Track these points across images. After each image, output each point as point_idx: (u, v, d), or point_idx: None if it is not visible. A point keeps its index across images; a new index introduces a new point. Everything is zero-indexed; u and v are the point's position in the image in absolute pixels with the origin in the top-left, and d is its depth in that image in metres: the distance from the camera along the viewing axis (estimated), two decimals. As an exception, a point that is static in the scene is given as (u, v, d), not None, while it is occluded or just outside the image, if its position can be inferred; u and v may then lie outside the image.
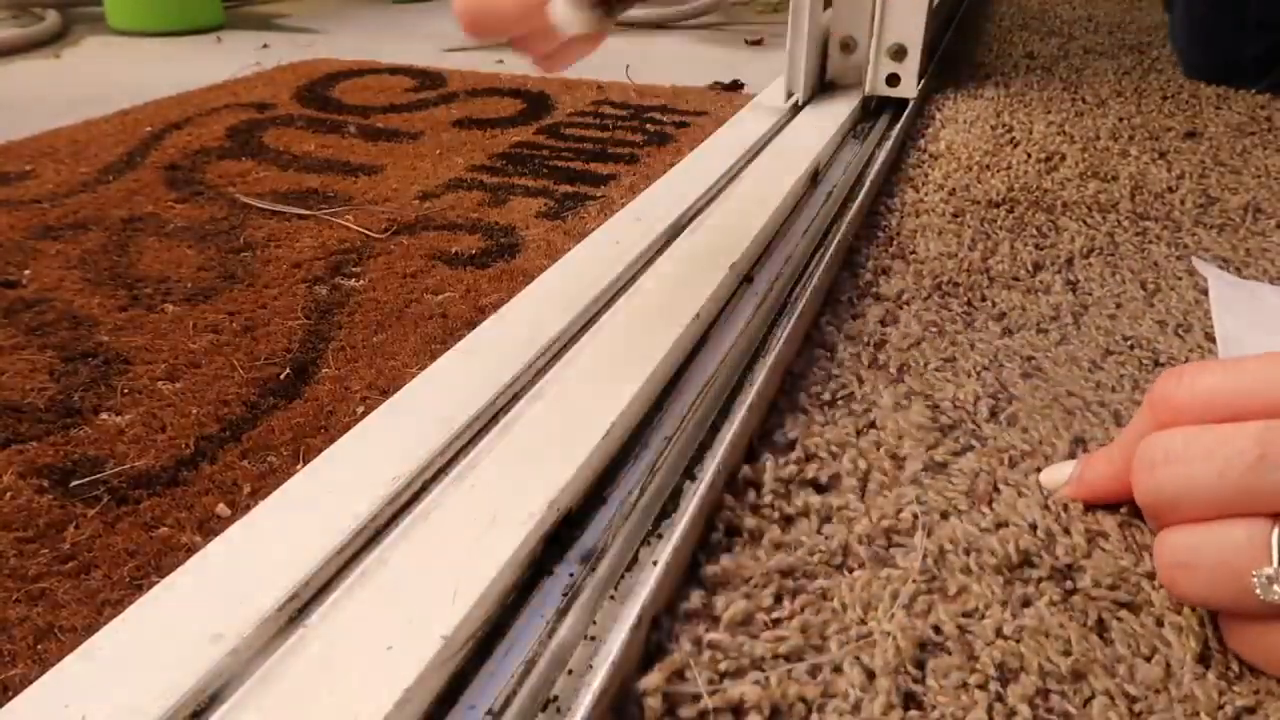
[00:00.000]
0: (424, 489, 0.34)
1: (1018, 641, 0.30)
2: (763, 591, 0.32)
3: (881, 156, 0.75)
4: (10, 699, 0.26)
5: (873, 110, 0.89)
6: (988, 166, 0.76)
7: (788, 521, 0.36)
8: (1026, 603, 0.32)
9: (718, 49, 1.50)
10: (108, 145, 0.95)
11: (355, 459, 0.35)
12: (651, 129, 1.02)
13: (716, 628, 0.30)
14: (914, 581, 0.32)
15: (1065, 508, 0.36)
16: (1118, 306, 0.53)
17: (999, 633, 0.31)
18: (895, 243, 0.62)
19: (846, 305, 0.53)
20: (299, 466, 0.46)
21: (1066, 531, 0.35)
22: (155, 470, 0.46)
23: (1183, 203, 0.69)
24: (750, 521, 0.35)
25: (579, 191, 0.83)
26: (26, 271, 0.67)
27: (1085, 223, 0.65)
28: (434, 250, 0.71)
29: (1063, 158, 0.78)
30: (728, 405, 0.41)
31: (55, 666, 0.27)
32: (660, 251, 0.55)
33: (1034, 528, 0.35)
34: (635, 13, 1.69)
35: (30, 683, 0.26)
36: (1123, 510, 0.36)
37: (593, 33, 0.38)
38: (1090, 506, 0.36)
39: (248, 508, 0.35)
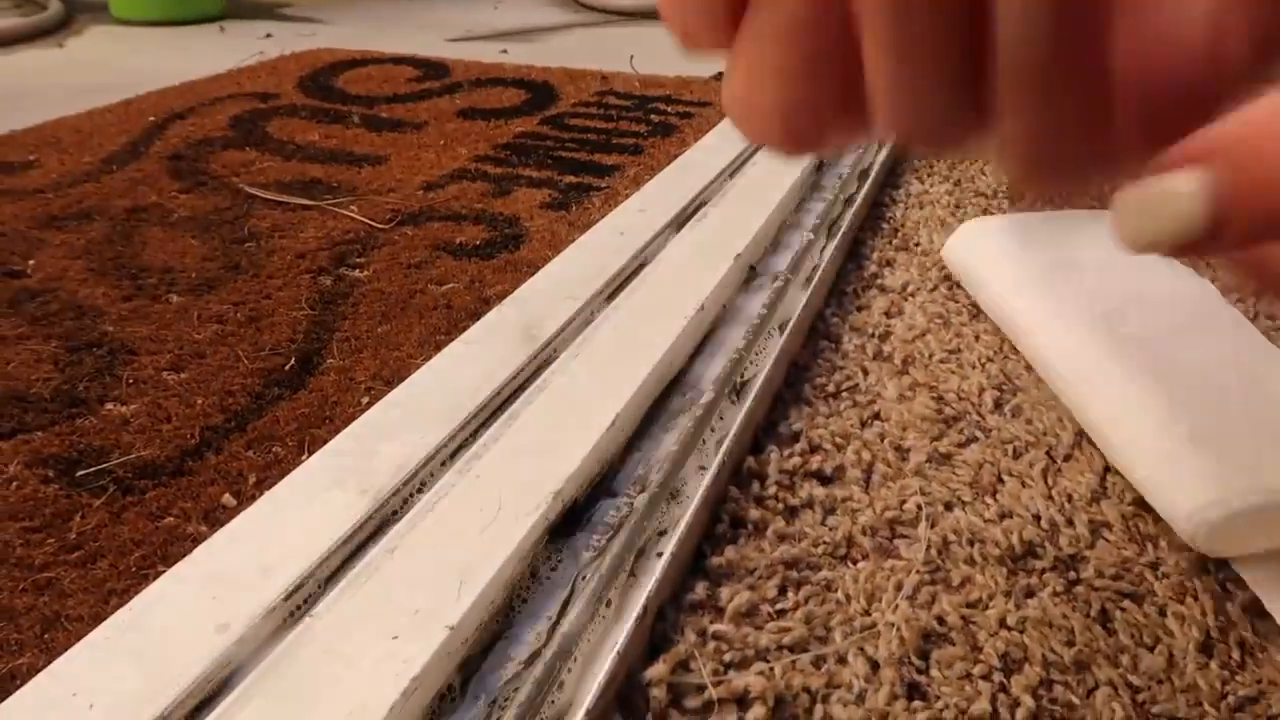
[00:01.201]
0: (429, 480, 0.34)
1: (1021, 632, 0.30)
2: (767, 583, 0.32)
3: (887, 147, 0.75)
4: (18, 688, 0.26)
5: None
6: (992, 157, 0.75)
7: (792, 513, 0.36)
8: (1030, 593, 0.32)
9: (722, 39, 1.50)
10: (111, 135, 0.95)
11: (360, 450, 0.35)
12: (656, 119, 1.01)
13: (721, 619, 0.30)
14: (918, 572, 0.32)
15: (1069, 498, 0.36)
16: (1122, 298, 0.53)
17: (1003, 623, 0.31)
18: (900, 234, 0.61)
19: (851, 297, 0.53)
20: (304, 457, 0.46)
21: (1070, 522, 0.35)
22: (161, 460, 0.46)
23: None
24: (755, 513, 0.35)
25: (583, 182, 0.83)
26: (31, 261, 0.67)
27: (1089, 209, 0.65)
28: (438, 241, 0.71)
29: (1068, 148, 0.78)
30: (733, 396, 0.41)
31: (62, 656, 0.27)
32: (665, 242, 0.55)
33: (1037, 518, 0.35)
34: (638, 0, 1.68)
35: (38, 672, 0.26)
36: (1127, 500, 0.36)
37: None
38: (1094, 497, 0.36)
39: (253, 498, 0.35)
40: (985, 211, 0.65)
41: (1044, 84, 0.13)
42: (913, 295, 0.53)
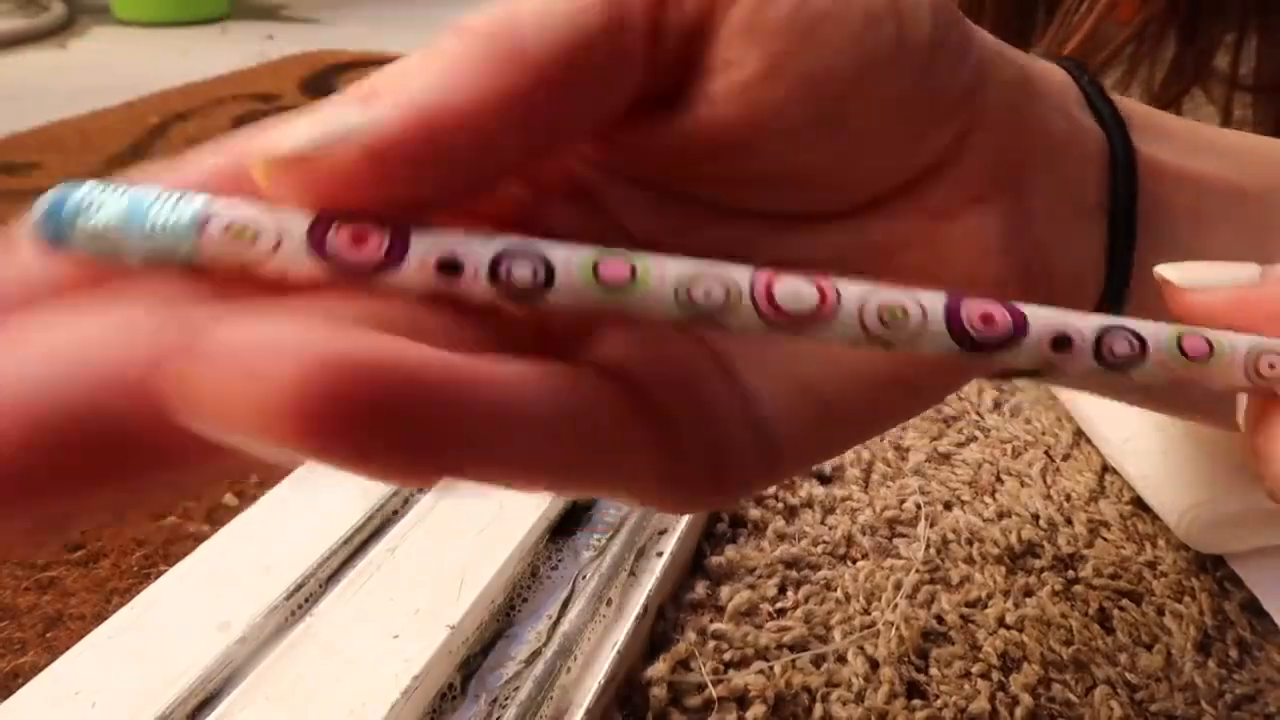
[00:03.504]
0: (430, 479, 0.34)
1: (1020, 631, 0.30)
2: (767, 582, 0.32)
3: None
4: (21, 686, 0.26)
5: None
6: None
7: (792, 512, 0.36)
8: (1029, 592, 0.32)
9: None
10: (114, 136, 0.95)
11: (361, 449, 0.35)
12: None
13: (721, 618, 0.30)
14: (917, 571, 0.33)
15: (1068, 498, 0.36)
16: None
17: (1001, 622, 0.31)
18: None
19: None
20: (305, 457, 0.46)
21: (1069, 521, 0.35)
22: (163, 460, 0.46)
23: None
24: (755, 513, 0.35)
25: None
26: (34, 262, 0.67)
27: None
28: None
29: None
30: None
31: (65, 654, 0.27)
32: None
33: (1036, 518, 0.35)
34: None
35: (40, 670, 0.26)
36: (1125, 500, 0.36)
37: None
38: (1092, 496, 0.36)
39: (255, 497, 0.35)
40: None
41: None
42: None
